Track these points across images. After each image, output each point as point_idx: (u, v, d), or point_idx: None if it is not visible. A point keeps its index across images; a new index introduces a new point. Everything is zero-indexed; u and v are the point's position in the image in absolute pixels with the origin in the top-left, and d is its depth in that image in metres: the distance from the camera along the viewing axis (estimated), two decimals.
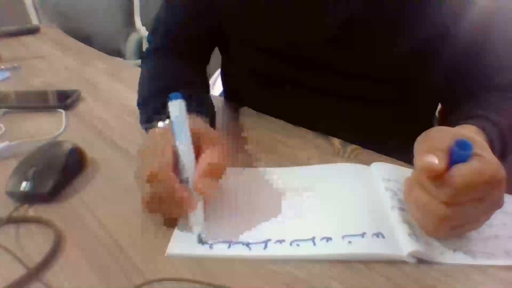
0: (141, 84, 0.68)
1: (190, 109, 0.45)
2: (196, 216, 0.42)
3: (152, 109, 0.58)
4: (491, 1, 0.58)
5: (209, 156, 0.44)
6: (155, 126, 0.51)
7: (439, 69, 0.63)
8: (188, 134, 0.43)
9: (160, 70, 0.69)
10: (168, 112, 0.44)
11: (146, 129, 0.56)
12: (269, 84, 0.72)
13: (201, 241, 0.42)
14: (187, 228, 0.44)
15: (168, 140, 0.44)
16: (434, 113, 0.78)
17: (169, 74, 0.67)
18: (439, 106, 0.77)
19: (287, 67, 0.68)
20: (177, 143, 0.43)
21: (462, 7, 0.57)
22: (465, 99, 0.59)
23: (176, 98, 0.43)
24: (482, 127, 0.48)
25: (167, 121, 0.50)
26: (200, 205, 0.42)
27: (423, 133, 0.42)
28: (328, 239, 0.41)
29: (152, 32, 0.76)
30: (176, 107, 0.43)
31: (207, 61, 0.78)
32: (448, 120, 0.59)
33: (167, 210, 0.43)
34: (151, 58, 0.74)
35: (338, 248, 0.40)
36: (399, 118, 0.69)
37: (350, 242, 0.41)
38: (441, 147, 0.38)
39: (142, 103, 0.64)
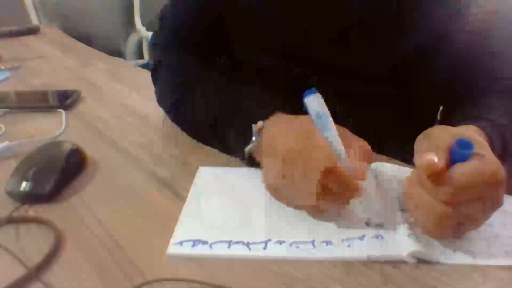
0: (172, 92, 0.65)
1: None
2: (363, 201, 0.44)
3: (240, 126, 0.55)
4: (492, 2, 0.58)
5: (359, 143, 0.46)
6: (250, 128, 0.51)
7: (440, 70, 0.63)
8: (334, 125, 0.43)
9: (193, 76, 0.66)
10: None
11: (222, 133, 0.56)
12: (270, 82, 0.72)
13: (369, 224, 0.43)
14: (187, 227, 0.44)
15: (312, 136, 0.45)
16: (435, 115, 0.78)
17: (208, 78, 0.65)
18: (440, 109, 0.77)
19: (289, 66, 0.68)
20: (329, 135, 0.43)
21: (464, 8, 0.57)
22: (466, 101, 0.59)
23: (313, 93, 0.43)
24: (483, 128, 0.48)
25: (259, 124, 0.50)
26: (362, 190, 0.43)
27: (424, 132, 0.42)
28: (328, 242, 0.41)
29: (157, 32, 0.74)
30: (317, 101, 0.43)
31: (219, 58, 0.76)
32: (449, 120, 0.59)
33: (336, 200, 0.44)
34: (168, 63, 0.69)
35: (338, 252, 0.40)
36: (400, 119, 0.69)
37: (349, 245, 0.41)
38: (441, 146, 0.38)
39: (198, 112, 0.61)
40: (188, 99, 0.63)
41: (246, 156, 0.53)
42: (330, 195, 0.43)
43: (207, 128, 0.59)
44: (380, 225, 0.43)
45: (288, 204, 0.47)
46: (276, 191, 0.47)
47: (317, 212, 0.45)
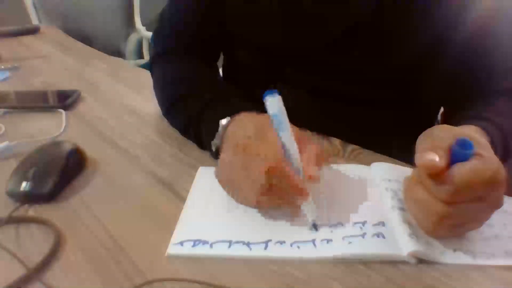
0: (163, 88, 0.68)
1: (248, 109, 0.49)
2: (311, 204, 0.43)
3: (194, 113, 0.59)
4: (495, 5, 0.58)
5: (313, 146, 0.46)
6: (218, 125, 0.52)
7: (441, 73, 0.63)
8: (289, 127, 0.44)
9: (181, 74, 0.68)
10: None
11: (189, 129, 0.59)
12: (269, 85, 0.71)
13: (315, 228, 0.43)
14: (187, 227, 0.44)
15: (267, 133, 0.45)
16: (436, 116, 0.78)
17: (196, 77, 0.67)
18: (441, 109, 0.77)
19: (289, 69, 0.68)
20: (283, 136, 0.44)
21: (466, 11, 0.57)
22: (468, 101, 0.59)
23: (273, 93, 0.44)
24: (484, 128, 0.48)
25: (224, 121, 0.52)
26: (312, 193, 0.43)
27: (425, 131, 0.42)
28: (329, 240, 0.41)
29: (157, 32, 0.75)
30: (275, 102, 0.44)
31: (215, 59, 0.77)
32: (450, 121, 0.59)
33: (282, 201, 0.44)
34: (164, 61, 0.72)
35: (339, 249, 0.40)
36: (400, 121, 0.69)
37: (350, 242, 0.41)
38: (442, 146, 0.38)
39: (180, 107, 0.63)
40: (173, 97, 0.65)
41: (214, 151, 0.54)
42: (274, 193, 0.43)
43: (186, 123, 0.61)
44: (381, 224, 0.43)
45: (237, 199, 0.47)
46: (226, 186, 0.47)
47: (262, 208, 0.46)
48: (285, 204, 0.45)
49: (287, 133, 0.44)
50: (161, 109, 0.68)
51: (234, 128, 0.51)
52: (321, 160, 0.46)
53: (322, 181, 0.44)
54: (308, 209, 0.43)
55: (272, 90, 0.44)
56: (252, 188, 0.43)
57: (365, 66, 0.63)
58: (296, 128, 0.47)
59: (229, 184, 0.47)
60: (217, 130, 0.52)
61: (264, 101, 0.43)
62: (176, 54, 0.72)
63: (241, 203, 0.46)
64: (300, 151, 0.44)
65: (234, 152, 0.46)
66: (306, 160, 0.44)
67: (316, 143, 0.47)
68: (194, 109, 0.59)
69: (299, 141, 0.45)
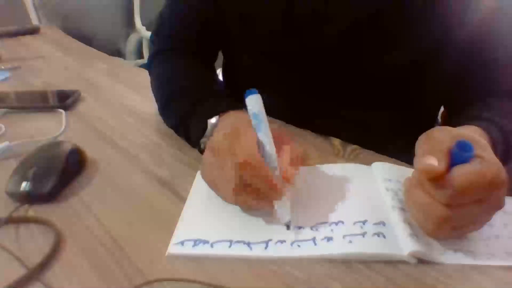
0: (158, 87, 0.68)
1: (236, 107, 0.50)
2: (285, 204, 0.43)
3: (183, 110, 0.59)
4: (496, 7, 0.58)
5: (291, 147, 0.46)
6: (206, 124, 0.53)
7: (442, 74, 0.63)
8: (268, 126, 0.44)
9: (177, 72, 0.69)
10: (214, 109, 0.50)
11: (180, 128, 0.59)
12: (269, 86, 0.71)
13: (289, 228, 0.43)
14: (188, 227, 0.44)
15: (248, 132, 0.45)
16: (436, 116, 0.78)
17: (190, 75, 0.68)
18: (441, 110, 0.77)
19: (289, 70, 0.67)
20: (261, 135, 0.44)
21: (466, 11, 0.57)
22: (468, 101, 0.59)
23: (253, 93, 0.44)
24: (485, 128, 0.48)
25: (213, 120, 0.52)
26: (287, 193, 0.43)
27: (424, 133, 0.42)
28: (329, 239, 0.41)
29: (156, 32, 0.76)
30: (255, 101, 0.44)
31: (213, 60, 0.78)
32: (451, 122, 0.59)
33: (256, 200, 0.44)
34: (161, 60, 0.73)
35: (339, 248, 0.40)
36: (400, 121, 0.69)
37: (350, 241, 0.41)
38: (441, 148, 0.38)
39: (172, 106, 0.63)
40: (165, 96, 0.66)
41: (203, 149, 0.54)
42: (250, 192, 0.43)
43: (177, 122, 0.62)
44: (381, 224, 0.43)
45: (223, 198, 0.47)
46: (209, 184, 0.48)
47: (243, 208, 0.46)
48: (262, 203, 0.44)
49: (265, 133, 0.44)
50: (158, 108, 0.68)
51: (219, 127, 0.51)
52: (299, 161, 0.46)
53: (302, 182, 0.44)
54: (282, 208, 0.43)
55: (253, 89, 0.45)
56: (227, 187, 0.43)
57: (365, 66, 0.63)
58: (278, 128, 0.48)
59: (210, 183, 0.47)
60: (205, 129, 0.53)
61: (245, 100, 0.44)
62: (173, 54, 0.72)
63: (225, 201, 0.47)
64: (278, 151, 0.45)
65: (213, 151, 0.46)
66: (283, 160, 0.45)
67: (296, 144, 0.47)
68: (184, 108, 0.59)
69: (278, 141, 0.46)
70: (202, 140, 0.54)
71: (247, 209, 0.46)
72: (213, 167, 0.46)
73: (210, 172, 0.47)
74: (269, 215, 0.45)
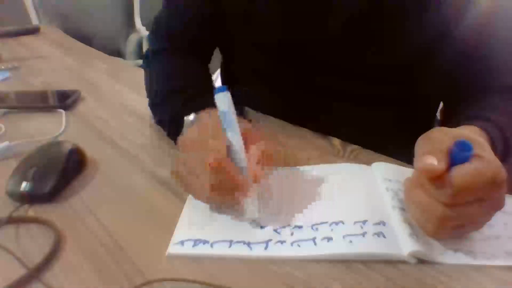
0: (151, 84, 0.69)
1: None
2: (253, 202, 0.43)
3: (173, 108, 0.59)
4: (493, 3, 0.58)
5: (261, 146, 0.46)
6: (182, 121, 0.53)
7: (440, 70, 0.63)
8: (237, 125, 0.44)
9: (170, 70, 0.69)
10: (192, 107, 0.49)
11: (170, 125, 0.59)
12: (270, 84, 0.72)
13: (257, 226, 0.43)
14: (188, 227, 0.44)
15: (218, 131, 0.45)
16: (435, 114, 0.78)
17: (182, 74, 0.68)
18: (440, 107, 0.77)
19: (289, 67, 0.68)
20: (229, 134, 0.44)
21: (464, 8, 0.57)
22: (467, 100, 0.59)
23: (222, 91, 0.44)
24: (484, 128, 0.48)
25: (191, 117, 0.52)
26: (255, 192, 0.43)
27: (424, 134, 0.42)
28: (329, 239, 0.41)
29: (153, 31, 0.76)
30: (224, 99, 0.44)
31: (209, 60, 0.78)
32: (450, 121, 0.59)
33: (226, 198, 0.44)
34: (156, 59, 0.73)
35: (339, 248, 0.40)
36: (400, 119, 0.69)
37: (351, 241, 0.41)
38: (441, 148, 0.38)
39: (159, 103, 0.64)
40: (152, 95, 0.67)
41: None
42: (220, 191, 0.43)
43: (162, 121, 0.62)
44: (381, 224, 0.43)
45: (193, 196, 0.47)
46: (180, 182, 0.48)
47: (214, 205, 0.46)
48: (232, 202, 0.44)
49: (234, 131, 0.44)
50: (148, 103, 0.68)
51: (195, 124, 0.51)
52: (269, 159, 0.46)
53: (275, 182, 0.45)
54: (249, 206, 0.43)
55: (222, 86, 0.45)
56: (199, 186, 0.43)
57: (364, 63, 0.63)
58: (250, 126, 0.48)
59: (181, 181, 0.47)
60: (181, 126, 0.53)
61: (214, 97, 0.44)
62: (170, 52, 0.72)
63: (198, 199, 0.47)
64: (248, 150, 0.45)
65: (183, 150, 0.46)
66: (251, 159, 0.45)
67: (267, 142, 0.47)
68: (177, 106, 0.59)
69: (248, 140, 0.46)
70: (179, 137, 0.53)
71: (216, 207, 0.46)
72: (184, 165, 0.46)
73: (181, 170, 0.46)
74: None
